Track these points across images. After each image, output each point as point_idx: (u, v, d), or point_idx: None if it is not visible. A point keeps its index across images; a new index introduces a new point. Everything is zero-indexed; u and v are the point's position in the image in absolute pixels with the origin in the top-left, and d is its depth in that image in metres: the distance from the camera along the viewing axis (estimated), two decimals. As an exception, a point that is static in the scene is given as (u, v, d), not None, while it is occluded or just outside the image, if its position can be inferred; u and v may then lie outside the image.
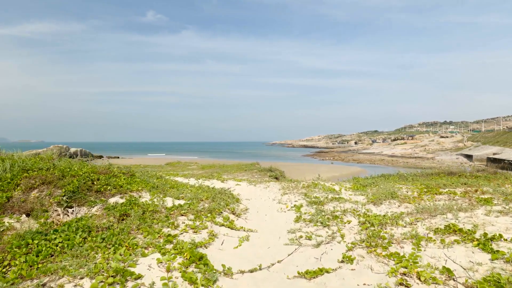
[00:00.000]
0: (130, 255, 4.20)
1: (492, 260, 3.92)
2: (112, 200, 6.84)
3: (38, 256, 4.16)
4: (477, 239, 4.50)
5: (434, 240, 4.70)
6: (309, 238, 5.27)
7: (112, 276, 3.54)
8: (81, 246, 4.41)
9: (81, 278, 3.57)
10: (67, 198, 6.62)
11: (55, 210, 6.39)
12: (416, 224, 5.49)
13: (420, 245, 4.54)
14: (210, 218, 6.16)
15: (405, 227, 5.43)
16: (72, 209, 6.55)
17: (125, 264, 3.92)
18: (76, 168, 8.03)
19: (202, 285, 3.58)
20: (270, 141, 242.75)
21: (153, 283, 3.53)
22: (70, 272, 3.64)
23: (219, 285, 3.69)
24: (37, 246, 4.42)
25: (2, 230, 5.19)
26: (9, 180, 6.97)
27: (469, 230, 4.82)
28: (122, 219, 5.78)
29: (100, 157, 70.96)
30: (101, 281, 3.45)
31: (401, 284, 3.54)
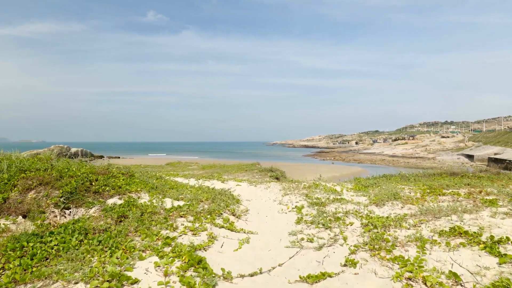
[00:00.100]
0: (127, 258, 4.09)
1: (500, 264, 3.81)
2: (110, 201, 6.73)
3: (32, 259, 4.05)
4: (484, 242, 4.38)
5: (439, 243, 4.58)
6: (311, 241, 5.16)
7: (107, 281, 3.43)
8: (77, 249, 4.30)
9: (76, 283, 3.46)
10: (64, 199, 6.52)
11: (52, 212, 6.28)
12: (420, 226, 5.37)
13: (425, 248, 4.42)
14: (209, 219, 6.05)
15: (408, 229, 5.31)
16: (70, 210, 6.45)
17: (122, 268, 3.81)
18: (74, 169, 7.92)
19: (201, 290, 3.47)
20: (271, 141, 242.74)
21: (150, 288, 3.42)
22: (65, 276, 3.53)
23: (218, 290, 3.58)
24: (32, 249, 4.30)
25: (-3, 232, 5.08)
26: (6, 181, 6.87)
27: (475, 232, 4.70)
28: (120, 221, 5.67)
29: (101, 157, 70.96)
30: (96, 286, 3.34)
31: (406, 289, 3.43)
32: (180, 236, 5.12)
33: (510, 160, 40.95)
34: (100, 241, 4.51)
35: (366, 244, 4.69)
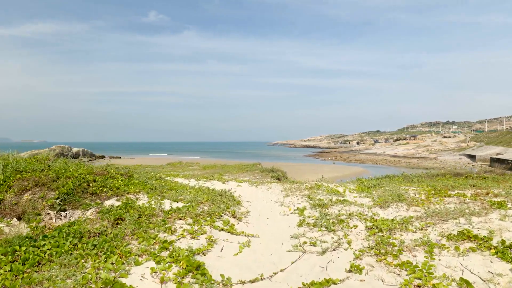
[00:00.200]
0: (123, 263, 3.92)
1: (513, 270, 3.63)
2: (108, 203, 6.56)
3: (24, 264, 3.89)
4: (495, 247, 4.20)
5: (448, 247, 4.40)
6: (314, 245, 4.98)
7: (101, 288, 3.26)
8: (71, 254, 4.13)
9: (67, 291, 3.30)
10: (60, 201, 6.35)
11: (48, 214, 6.12)
12: (426, 230, 5.18)
13: (433, 253, 4.24)
14: (209, 222, 5.87)
15: (415, 232, 5.12)
16: (66, 212, 6.28)
17: (116, 274, 3.64)
18: (71, 169, 7.76)
19: (199, 298, 3.30)
20: (271, 141, 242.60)
21: (146, 296, 3.25)
22: (56, 283, 3.36)
23: (217, 297, 3.41)
24: (25, 253, 4.14)
25: (-10, 236, 4.92)
26: (1, 182, 6.71)
27: (485, 236, 4.52)
28: (117, 224, 5.50)
29: (102, 157, 70.94)
30: (89, 294, 3.18)
31: (415, 298, 3.25)
32: (178, 239, 4.94)
33: (511, 160, 40.69)
34: (95, 245, 4.34)
35: (372, 249, 4.51)
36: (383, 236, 4.97)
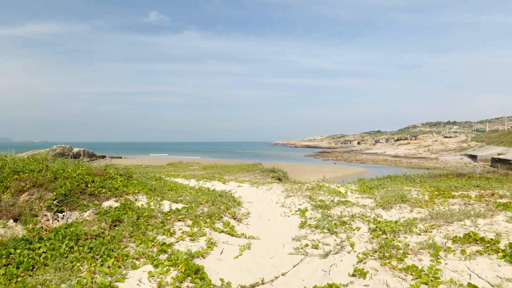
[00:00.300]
0: (119, 267, 3.81)
1: (523, 275, 3.51)
2: (106, 204, 6.46)
3: (18, 268, 3.78)
4: (502, 250, 4.08)
5: (454, 250, 4.28)
6: (316, 247, 4.86)
7: (96, 294, 3.15)
8: (66, 257, 4.02)
9: (62, 296, 3.19)
10: (57, 202, 6.24)
11: (45, 215, 6.01)
12: (431, 232, 5.06)
13: (439, 257, 4.12)
14: (209, 223, 5.76)
15: (419, 235, 5.00)
16: (63, 213, 6.17)
17: (113, 278, 3.53)
18: (70, 170, 7.65)
19: (198, 304, 3.19)
20: (271, 141, 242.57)
21: (142, 301, 3.14)
22: (50, 288, 3.25)
23: (216, 303, 3.29)
24: (19, 256, 4.04)
25: (-16, 238, 4.81)
26: (-2, 182, 6.61)
27: (491, 239, 4.40)
28: (115, 225, 5.39)
29: (103, 157, 70.92)
30: (84, 300, 3.07)
31: (422, 303, 3.14)
32: (177, 242, 4.83)
33: (514, 161, 40.50)
34: (91, 248, 4.23)
35: (376, 252, 4.39)
36: (387, 238, 4.85)
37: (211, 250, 4.70)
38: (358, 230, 5.50)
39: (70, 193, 6.52)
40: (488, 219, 5.35)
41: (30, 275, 3.63)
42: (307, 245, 4.97)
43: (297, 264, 4.35)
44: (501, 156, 48.79)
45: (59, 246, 4.25)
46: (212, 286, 3.51)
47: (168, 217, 5.85)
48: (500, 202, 6.24)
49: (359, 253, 4.48)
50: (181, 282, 3.55)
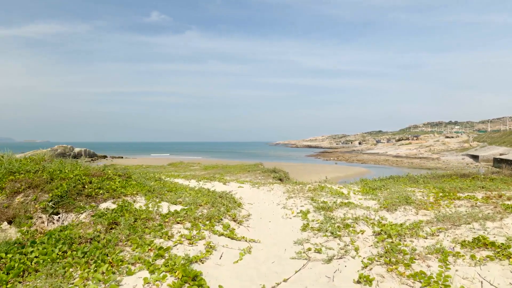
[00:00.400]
0: (114, 273, 3.64)
1: (537, 282, 3.33)
2: (103, 206, 6.29)
3: (8, 273, 3.62)
4: (514, 256, 3.90)
5: (463, 255, 4.10)
6: (319, 251, 4.68)
7: (87, 303, 2.99)
8: (59, 262, 3.85)
9: (52, 305, 3.02)
10: (53, 204, 6.08)
11: (40, 217, 5.86)
12: (438, 235, 4.88)
13: (447, 262, 3.94)
14: (208, 226, 5.59)
15: (426, 238, 4.82)
16: (59, 215, 6.01)
17: (106, 285, 3.36)
18: (67, 170, 7.49)
19: (195, 313, 3.02)
20: (271, 141, 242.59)
21: (137, 311, 2.97)
22: (40, 296, 3.09)
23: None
24: (10, 261, 3.87)
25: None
26: (-8, 183, 6.45)
27: (502, 244, 4.22)
28: (111, 228, 5.22)
29: (104, 157, 70.94)
30: (74, 309, 2.90)
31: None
32: (175, 245, 4.66)
33: (517, 161, 40.22)
34: (85, 253, 4.05)
35: (381, 257, 4.21)
36: (392, 242, 4.67)
37: (210, 254, 4.53)
38: (362, 234, 5.33)
39: (66, 195, 6.36)
40: (497, 222, 5.16)
41: (20, 282, 3.47)
42: (309, 249, 4.79)
43: (299, 269, 4.18)
44: (503, 157, 48.51)
45: (52, 250, 4.08)
46: (210, 294, 3.34)
47: (166, 220, 5.69)
48: (508, 204, 6.06)
49: (364, 258, 4.31)
50: (178, 289, 3.38)
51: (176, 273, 3.64)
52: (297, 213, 6.98)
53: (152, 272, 3.70)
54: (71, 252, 4.11)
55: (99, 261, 3.84)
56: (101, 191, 6.79)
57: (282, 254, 4.78)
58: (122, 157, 72.22)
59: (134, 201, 6.69)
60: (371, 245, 4.77)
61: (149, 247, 4.42)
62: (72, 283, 3.35)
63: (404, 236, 4.92)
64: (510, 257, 3.89)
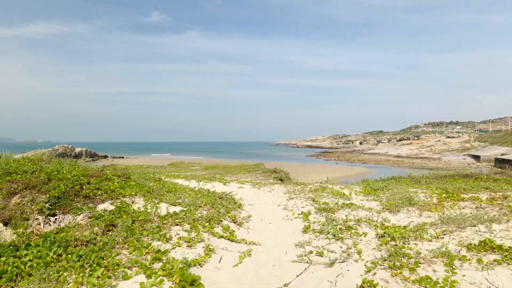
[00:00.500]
0: (109, 277, 3.53)
1: (548, 288, 3.21)
2: (101, 207, 6.19)
3: (1, 278, 3.51)
4: (523, 260, 3.78)
5: (469, 259, 3.98)
6: (321, 254, 4.56)
7: (81, 309, 2.88)
8: (54, 266, 3.74)
9: (44, 311, 2.91)
10: (50, 205, 5.97)
11: (36, 219, 5.75)
12: (443, 238, 4.76)
13: (453, 266, 3.82)
14: (207, 228, 5.48)
15: (430, 241, 4.70)
16: (55, 217, 5.91)
17: (101, 290, 3.25)
18: (65, 171, 7.38)
19: (192, 320, 2.91)
20: (271, 141, 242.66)
21: (132, 317, 2.86)
22: (32, 302, 2.98)
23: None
24: (4, 265, 3.77)
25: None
26: (-12, 184, 6.35)
27: (510, 247, 4.09)
28: (108, 230, 5.11)
29: (105, 157, 70.93)
30: (67, 316, 2.79)
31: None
32: (173, 248, 4.55)
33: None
34: (80, 256, 3.94)
35: (385, 261, 4.09)
36: (396, 245, 4.55)
37: (209, 257, 4.42)
38: (364, 236, 5.20)
39: (63, 196, 6.26)
40: (503, 224, 5.04)
41: (12, 286, 3.36)
42: (311, 252, 4.67)
43: (301, 273, 4.06)
44: (505, 157, 48.30)
45: (47, 253, 3.97)
46: (209, 299, 3.23)
47: (165, 221, 5.58)
48: (514, 206, 5.93)
49: (367, 261, 4.19)
50: (175, 295, 3.27)
51: (174, 278, 3.53)
52: (298, 214, 6.86)
53: (149, 277, 3.59)
54: (66, 255, 4.00)
55: (95, 265, 3.74)
56: (99, 192, 6.68)
57: (283, 257, 4.66)
58: (123, 157, 72.20)
59: (133, 202, 6.58)
60: (374, 248, 4.65)
61: (147, 250, 4.32)
62: (66, 288, 3.24)
63: (408, 238, 4.80)
64: (518, 261, 3.77)
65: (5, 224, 5.61)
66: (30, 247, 4.20)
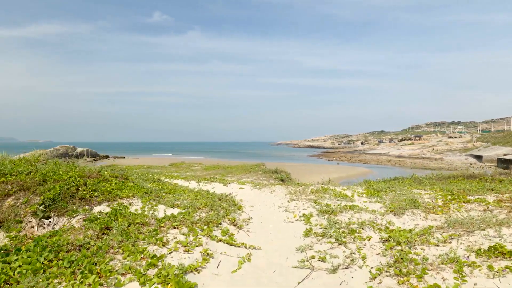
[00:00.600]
0: (101, 285, 3.36)
1: None
2: (97, 209, 6.02)
3: (-12, 285, 3.35)
4: (536, 267, 3.59)
5: (479, 265, 3.79)
6: (323, 260, 4.38)
7: (69, 321, 2.71)
8: (44, 272, 3.57)
9: (29, 323, 2.74)
10: (44, 207, 5.80)
11: (29, 221, 5.58)
12: (451, 243, 4.57)
13: (463, 273, 3.64)
14: (206, 231, 5.30)
15: (438, 246, 4.51)
16: (50, 220, 5.74)
17: (92, 299, 3.08)
18: (61, 172, 7.22)
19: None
20: (272, 141, 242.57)
21: (123, 330, 2.69)
22: (18, 312, 2.81)
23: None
24: (-8, 271, 3.60)
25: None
26: (-18, 186, 6.18)
27: (521, 253, 3.91)
28: (103, 234, 4.94)
29: (107, 157, 70.89)
30: (54, 328, 2.62)
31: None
32: (170, 253, 4.37)
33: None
34: (72, 262, 3.77)
35: (391, 267, 3.90)
36: (402, 250, 4.36)
37: (206, 262, 4.24)
38: (369, 240, 5.02)
39: (59, 197, 6.09)
40: (513, 228, 4.85)
41: (-2, 295, 3.20)
42: (313, 257, 4.49)
43: (303, 280, 3.88)
44: (507, 157, 47.99)
45: (37, 259, 3.80)
46: (205, 309, 3.05)
47: (162, 224, 5.40)
48: (522, 209, 5.74)
49: (372, 267, 4.00)
50: (170, 304, 3.09)
51: (169, 285, 3.36)
52: (300, 216, 6.68)
53: (143, 284, 3.42)
54: (57, 261, 3.83)
55: (86, 271, 3.56)
56: (96, 194, 6.52)
57: (284, 262, 4.48)
58: (124, 157, 72.12)
59: (130, 204, 6.41)
60: (379, 253, 4.46)
61: (142, 255, 4.14)
62: (55, 297, 3.06)
63: (414, 243, 4.61)
64: (531, 268, 3.58)
65: (-2, 227, 5.45)
66: (21, 252, 4.03)
